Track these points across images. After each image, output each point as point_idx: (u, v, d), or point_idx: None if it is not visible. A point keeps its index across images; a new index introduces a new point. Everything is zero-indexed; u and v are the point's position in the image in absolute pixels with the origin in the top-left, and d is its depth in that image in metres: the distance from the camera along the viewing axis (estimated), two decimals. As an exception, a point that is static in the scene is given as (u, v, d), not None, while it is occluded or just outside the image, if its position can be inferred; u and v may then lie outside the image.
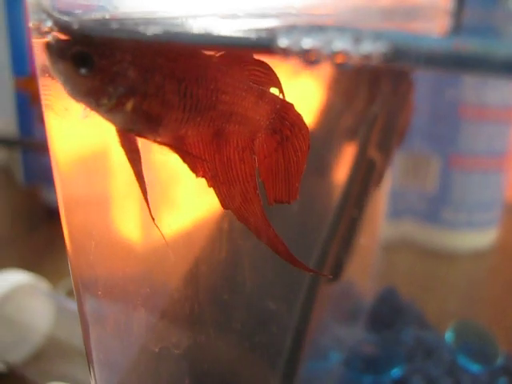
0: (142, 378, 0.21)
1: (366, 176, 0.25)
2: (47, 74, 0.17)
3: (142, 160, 0.16)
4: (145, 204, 0.18)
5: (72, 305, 0.36)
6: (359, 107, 0.25)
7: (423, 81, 0.30)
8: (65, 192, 0.20)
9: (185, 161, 0.16)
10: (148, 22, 0.14)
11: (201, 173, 0.16)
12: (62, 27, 0.15)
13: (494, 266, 0.34)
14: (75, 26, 0.15)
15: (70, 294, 0.41)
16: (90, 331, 0.20)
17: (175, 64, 0.15)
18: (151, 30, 0.14)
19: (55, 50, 0.14)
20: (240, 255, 0.21)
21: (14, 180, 0.68)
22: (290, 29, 0.13)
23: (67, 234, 0.20)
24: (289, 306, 0.23)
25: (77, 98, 0.15)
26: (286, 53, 0.13)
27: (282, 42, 0.12)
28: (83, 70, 0.14)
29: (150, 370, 0.21)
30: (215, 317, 0.21)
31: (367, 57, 0.11)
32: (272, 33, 0.13)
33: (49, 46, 0.15)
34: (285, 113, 0.17)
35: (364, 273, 0.32)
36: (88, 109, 0.15)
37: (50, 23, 0.16)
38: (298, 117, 0.17)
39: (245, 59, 0.16)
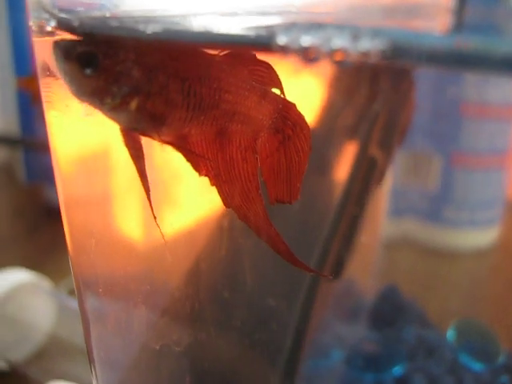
0: (143, 375, 0.21)
1: (367, 174, 0.25)
2: (48, 73, 0.17)
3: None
4: (146, 202, 0.18)
5: (74, 303, 0.36)
6: (360, 105, 0.25)
7: (425, 79, 0.30)
8: (66, 191, 0.20)
9: (188, 159, 0.16)
10: (148, 20, 0.14)
11: (204, 171, 0.16)
12: (66, 26, 0.15)
13: (495, 264, 0.34)
14: (77, 25, 0.15)
15: (71, 292, 0.41)
16: (90, 329, 0.20)
17: (179, 63, 0.15)
18: (151, 28, 0.14)
19: (61, 51, 0.15)
20: (241, 253, 0.21)
21: (16, 179, 0.68)
22: (289, 26, 0.13)
23: (68, 232, 0.20)
24: (289, 304, 0.23)
25: (81, 97, 0.15)
26: (284, 50, 0.13)
27: (281, 39, 0.12)
28: (88, 70, 0.14)
29: (150, 368, 0.21)
30: (216, 315, 0.21)
31: (366, 54, 0.11)
32: (271, 30, 0.13)
33: (55, 47, 0.15)
34: (287, 112, 0.17)
35: (365, 271, 0.32)
36: (89, 107, 0.15)
37: (52, 23, 0.16)
38: (300, 117, 0.17)
39: (247, 59, 0.16)
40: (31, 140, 0.65)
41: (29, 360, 0.34)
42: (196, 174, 0.16)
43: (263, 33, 0.13)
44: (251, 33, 0.13)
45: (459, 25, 0.18)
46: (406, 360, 0.27)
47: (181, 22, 0.14)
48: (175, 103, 0.15)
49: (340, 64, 0.12)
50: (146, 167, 0.16)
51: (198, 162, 0.16)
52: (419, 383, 0.26)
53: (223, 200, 0.17)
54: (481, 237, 0.36)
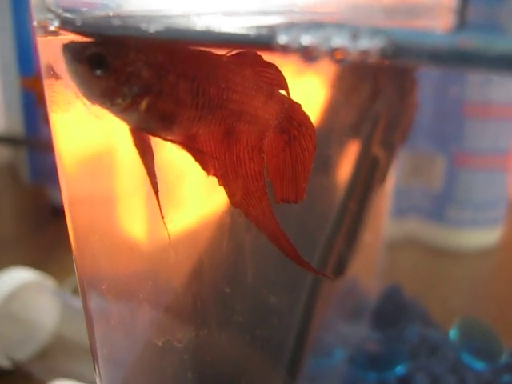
0: (147, 373, 0.21)
1: (369, 174, 0.25)
2: (52, 72, 0.17)
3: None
4: (150, 202, 0.18)
5: (78, 302, 0.36)
6: (362, 105, 0.25)
7: (427, 78, 0.30)
8: (69, 190, 0.20)
9: (196, 159, 0.16)
10: (150, 19, 0.14)
11: (212, 171, 0.16)
12: (69, 26, 0.16)
13: (498, 264, 0.34)
14: (80, 24, 0.15)
15: (75, 291, 0.41)
16: (94, 328, 0.20)
17: (187, 63, 0.15)
18: (153, 28, 0.14)
19: (71, 52, 0.15)
20: (243, 252, 0.21)
21: (20, 179, 0.68)
22: (289, 26, 0.13)
23: (72, 231, 0.20)
24: (292, 303, 0.24)
25: (92, 99, 0.15)
26: (285, 49, 0.13)
27: (282, 38, 0.13)
28: (98, 71, 0.15)
29: (154, 366, 0.21)
30: (220, 312, 0.22)
31: (365, 53, 0.12)
32: (271, 30, 0.13)
33: (64, 49, 0.15)
34: (292, 112, 0.17)
35: (368, 270, 0.32)
36: (97, 108, 0.16)
37: (56, 22, 0.16)
38: (305, 116, 0.17)
39: (254, 59, 0.16)
40: (35, 140, 0.65)
41: (33, 359, 0.34)
42: (200, 173, 0.17)
43: (264, 32, 0.13)
44: (252, 32, 0.13)
45: (462, 24, 0.18)
46: (408, 359, 0.27)
47: (183, 21, 0.14)
48: (184, 103, 0.15)
49: (341, 63, 0.12)
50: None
51: (206, 161, 0.16)
52: (422, 382, 0.26)
53: (230, 199, 0.17)
54: (484, 236, 0.36)
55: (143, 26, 0.14)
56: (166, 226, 0.17)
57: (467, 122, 0.33)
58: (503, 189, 0.36)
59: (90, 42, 0.15)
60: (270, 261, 0.22)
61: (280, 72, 0.16)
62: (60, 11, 0.15)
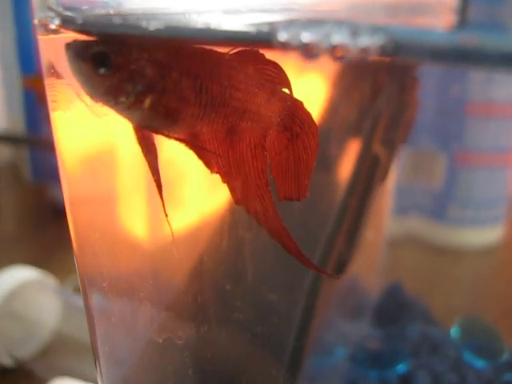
0: (148, 371, 0.21)
1: (370, 172, 0.25)
2: (52, 71, 0.17)
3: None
4: (150, 200, 0.18)
5: (79, 301, 0.36)
6: (363, 103, 0.25)
7: (429, 76, 0.30)
8: (71, 189, 0.20)
9: (200, 157, 0.16)
10: (150, 17, 0.14)
11: (215, 169, 0.17)
12: (70, 24, 0.16)
13: (499, 262, 0.34)
14: (81, 23, 0.15)
15: (77, 290, 0.41)
16: (95, 326, 0.21)
17: (190, 61, 0.15)
18: (153, 26, 0.14)
19: (74, 51, 0.15)
20: (244, 250, 0.21)
21: (22, 178, 0.68)
22: (289, 23, 0.13)
23: (73, 230, 0.20)
24: (294, 301, 0.24)
25: (95, 97, 0.15)
26: (285, 47, 0.13)
27: (282, 35, 0.13)
28: (102, 70, 0.15)
29: (154, 363, 0.21)
30: (221, 311, 0.22)
31: (365, 50, 0.12)
32: (271, 27, 0.13)
33: (67, 48, 0.15)
34: (295, 110, 0.17)
35: (370, 268, 0.32)
36: (99, 107, 0.16)
37: (57, 21, 0.16)
38: (308, 114, 0.17)
39: (256, 57, 0.16)
40: (37, 139, 0.65)
41: (34, 357, 0.34)
42: (201, 172, 0.17)
43: (264, 29, 0.13)
44: (252, 29, 0.13)
45: (462, 23, 0.18)
46: (409, 357, 0.27)
47: (183, 19, 0.14)
48: (188, 100, 0.15)
49: (341, 60, 0.12)
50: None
51: (209, 159, 0.16)
52: (423, 380, 0.26)
53: (233, 197, 0.17)
54: (485, 235, 0.36)
55: (143, 24, 0.14)
56: (169, 224, 0.17)
57: (468, 120, 0.33)
58: (504, 187, 0.36)
59: (93, 41, 0.15)
60: (271, 258, 0.22)
61: (282, 70, 0.17)
62: (61, 9, 0.15)
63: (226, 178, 0.17)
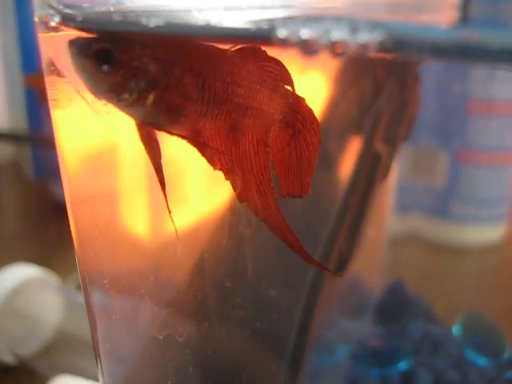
0: (148, 367, 0.21)
1: (371, 169, 0.25)
2: (53, 68, 0.17)
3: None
4: (151, 198, 0.18)
5: (81, 298, 0.36)
6: (365, 101, 0.25)
7: (431, 74, 0.30)
8: (71, 187, 0.20)
9: (202, 153, 0.16)
10: (150, 14, 0.14)
11: (218, 165, 0.17)
12: (70, 22, 0.16)
13: (502, 260, 0.34)
14: (81, 20, 0.15)
15: (79, 287, 0.41)
16: (96, 323, 0.21)
17: (193, 57, 0.15)
18: (153, 23, 0.14)
19: (77, 48, 0.15)
20: (245, 247, 0.21)
21: (24, 175, 0.69)
22: (289, 19, 0.13)
23: (73, 227, 0.20)
24: (295, 297, 0.24)
25: (99, 94, 0.15)
26: (284, 43, 0.13)
27: (281, 32, 0.13)
28: (105, 67, 0.15)
29: (155, 360, 0.21)
30: (221, 308, 0.22)
31: (364, 46, 0.12)
32: (271, 24, 0.13)
33: (70, 45, 0.15)
34: (297, 107, 0.17)
35: (372, 266, 0.32)
36: (98, 105, 0.16)
37: (57, 18, 0.16)
38: (310, 111, 0.17)
39: (257, 54, 0.16)
40: (39, 137, 0.65)
41: (37, 354, 0.34)
42: (202, 169, 0.17)
43: (263, 26, 0.13)
44: (252, 26, 0.13)
45: (464, 20, 0.18)
46: (411, 355, 0.27)
47: (183, 15, 0.14)
48: (191, 96, 0.15)
49: (341, 57, 0.12)
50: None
51: (212, 156, 0.16)
52: (424, 378, 0.26)
53: (237, 194, 0.17)
54: (487, 233, 0.36)
55: (143, 21, 0.14)
56: (172, 221, 0.17)
57: (471, 118, 0.33)
58: (506, 185, 0.35)
59: (96, 38, 0.15)
60: (272, 255, 0.22)
61: (284, 67, 0.16)
62: (61, 7, 0.15)
63: (229, 175, 0.17)
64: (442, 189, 0.35)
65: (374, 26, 0.11)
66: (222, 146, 0.16)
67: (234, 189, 0.17)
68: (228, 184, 0.17)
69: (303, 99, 0.17)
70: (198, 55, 0.15)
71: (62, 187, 0.20)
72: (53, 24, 0.16)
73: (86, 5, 0.16)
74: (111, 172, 0.19)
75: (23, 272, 0.36)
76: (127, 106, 0.15)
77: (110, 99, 0.15)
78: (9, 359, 0.35)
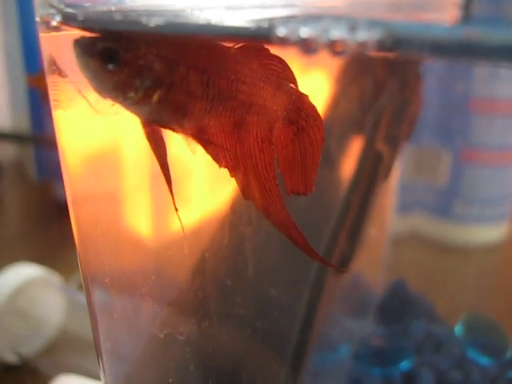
0: (149, 366, 0.21)
1: (373, 168, 0.25)
2: (54, 67, 0.17)
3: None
4: (152, 197, 0.18)
5: (83, 298, 0.36)
6: (366, 100, 0.25)
7: (433, 73, 0.30)
8: (73, 187, 0.20)
9: (207, 151, 0.16)
10: (151, 13, 0.14)
11: (223, 163, 0.17)
12: (71, 21, 0.16)
13: (504, 260, 0.33)
14: (82, 19, 0.15)
15: (81, 287, 0.41)
16: (98, 322, 0.21)
17: (197, 55, 0.15)
18: (154, 22, 0.14)
19: (82, 47, 0.15)
20: (246, 245, 0.21)
21: (27, 176, 0.69)
22: (288, 18, 0.13)
23: (75, 227, 0.20)
24: (296, 296, 0.24)
25: (104, 93, 0.15)
26: (283, 42, 0.13)
27: (280, 31, 0.13)
28: (110, 66, 0.15)
29: (156, 359, 0.21)
30: (222, 306, 0.22)
31: (363, 44, 0.12)
32: (270, 22, 0.13)
33: (75, 44, 0.15)
34: (300, 104, 0.17)
35: (374, 266, 0.32)
36: (99, 105, 0.16)
37: (58, 17, 0.16)
38: (313, 108, 0.17)
39: (259, 52, 0.16)
40: (42, 137, 0.65)
41: (39, 354, 0.34)
42: (205, 168, 0.17)
43: (263, 25, 0.13)
44: (251, 25, 0.13)
45: (467, 19, 0.18)
46: (413, 354, 0.27)
47: (184, 14, 0.14)
48: (195, 94, 0.15)
49: (341, 56, 0.12)
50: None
51: (217, 153, 0.16)
52: (426, 378, 0.26)
53: (242, 191, 0.17)
54: (490, 232, 0.35)
55: (144, 20, 0.14)
56: (179, 218, 0.17)
57: (473, 117, 0.33)
58: (509, 184, 0.35)
59: (101, 37, 0.15)
60: (273, 253, 0.22)
61: (287, 65, 0.17)
62: (62, 6, 0.15)
63: (234, 172, 0.17)
64: (445, 188, 0.35)
65: (372, 24, 0.11)
66: (227, 143, 0.17)
67: (239, 186, 0.17)
68: (229, 183, 0.17)
69: (306, 96, 0.17)
70: (202, 53, 0.15)
71: (64, 187, 0.20)
72: (54, 23, 0.16)
73: (87, 4, 0.16)
74: (112, 172, 0.19)
75: (26, 272, 0.36)
76: (132, 104, 0.15)
77: (115, 98, 0.15)
78: (11, 358, 0.35)
